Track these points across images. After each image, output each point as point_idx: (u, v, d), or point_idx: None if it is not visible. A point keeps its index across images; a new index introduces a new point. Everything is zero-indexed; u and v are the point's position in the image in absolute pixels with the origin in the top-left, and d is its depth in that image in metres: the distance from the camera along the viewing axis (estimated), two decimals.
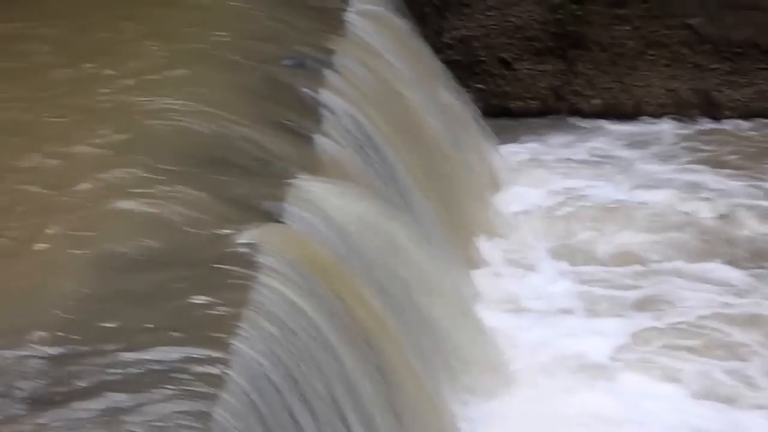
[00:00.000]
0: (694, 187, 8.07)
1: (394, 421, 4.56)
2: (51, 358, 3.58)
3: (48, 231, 4.29)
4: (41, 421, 3.30)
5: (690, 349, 6.17)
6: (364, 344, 4.47)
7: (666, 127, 9.18)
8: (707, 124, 9.19)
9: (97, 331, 3.73)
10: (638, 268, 7.09)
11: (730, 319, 6.45)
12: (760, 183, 8.10)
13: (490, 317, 6.06)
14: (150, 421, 3.30)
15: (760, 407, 5.72)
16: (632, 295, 6.78)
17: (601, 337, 6.27)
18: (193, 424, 3.31)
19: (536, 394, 5.62)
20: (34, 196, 4.56)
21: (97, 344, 3.66)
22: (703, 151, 8.73)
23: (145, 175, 4.71)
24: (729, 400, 5.77)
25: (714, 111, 9.29)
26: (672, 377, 5.93)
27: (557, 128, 9.20)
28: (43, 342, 3.64)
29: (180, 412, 3.34)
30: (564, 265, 7.10)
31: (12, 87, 5.68)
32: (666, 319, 6.47)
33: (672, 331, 6.34)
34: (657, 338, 6.28)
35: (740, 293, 6.75)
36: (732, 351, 6.17)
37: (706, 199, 7.85)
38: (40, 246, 4.20)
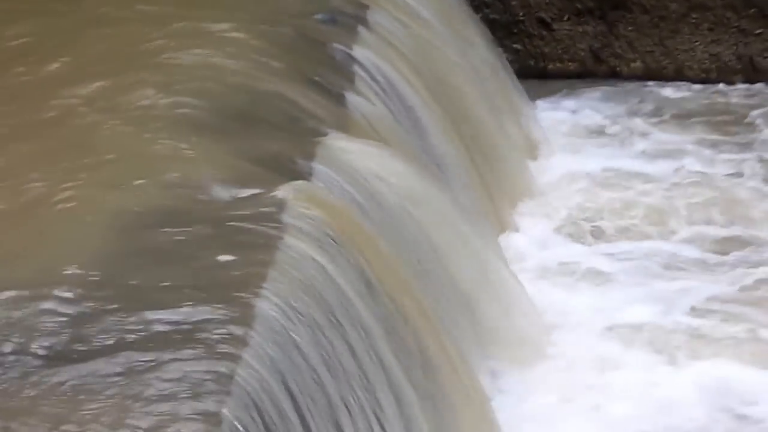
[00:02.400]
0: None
1: (421, 386, 4.52)
2: (70, 315, 3.55)
3: (71, 186, 4.24)
4: (59, 378, 3.27)
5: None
6: (390, 309, 4.42)
7: (710, 92, 9.02)
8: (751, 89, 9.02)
9: (118, 288, 3.69)
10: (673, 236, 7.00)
11: None
12: None
13: (523, 284, 5.98)
14: (170, 380, 3.27)
15: None
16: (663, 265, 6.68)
17: (634, 307, 6.18)
18: (215, 385, 3.27)
19: (569, 364, 5.57)
20: (57, 150, 4.52)
21: (118, 302, 3.62)
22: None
23: (171, 130, 4.67)
24: None
25: (758, 77, 9.14)
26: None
27: (596, 91, 9.08)
28: (62, 298, 3.61)
29: (201, 372, 3.31)
30: (597, 234, 7.01)
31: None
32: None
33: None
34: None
35: None
36: None
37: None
38: (63, 200, 4.16)
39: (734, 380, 5.57)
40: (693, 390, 5.51)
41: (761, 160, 7.82)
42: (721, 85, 9.03)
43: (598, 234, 7.05)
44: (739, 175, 7.62)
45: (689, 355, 5.78)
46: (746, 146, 8.12)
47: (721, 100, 8.92)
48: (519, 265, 6.41)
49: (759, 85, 8.99)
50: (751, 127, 8.40)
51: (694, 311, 6.18)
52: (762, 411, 5.43)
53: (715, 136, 8.34)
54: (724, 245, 6.90)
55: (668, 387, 5.54)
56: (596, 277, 6.57)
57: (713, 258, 6.78)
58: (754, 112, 8.55)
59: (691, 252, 6.84)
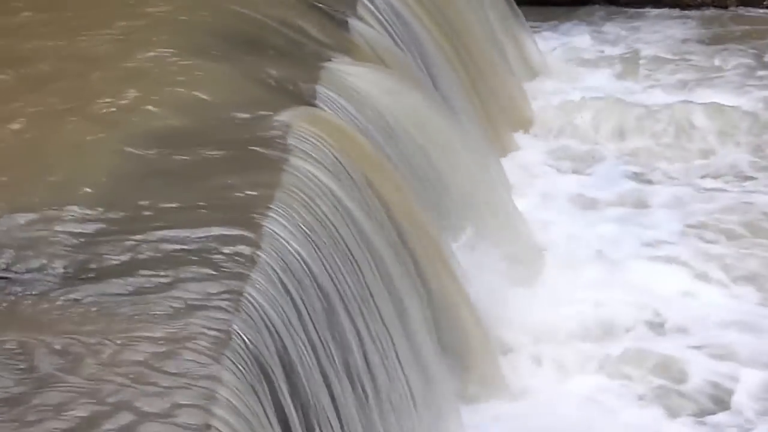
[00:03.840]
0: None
1: (425, 303, 4.61)
2: (84, 235, 3.62)
3: (82, 109, 4.31)
4: (73, 296, 3.36)
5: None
6: (395, 229, 4.50)
7: (708, 13, 9.02)
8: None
9: (130, 208, 3.77)
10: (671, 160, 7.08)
11: None
12: None
13: (522, 206, 6.06)
14: (181, 298, 3.35)
15: None
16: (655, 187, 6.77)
17: (628, 234, 6.27)
18: (224, 303, 3.35)
19: (567, 283, 5.65)
20: (67, 75, 4.57)
21: (130, 222, 3.70)
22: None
23: (178, 54, 4.71)
24: None
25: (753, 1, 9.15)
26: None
27: (593, 17, 9.09)
28: (77, 219, 3.68)
29: (211, 290, 3.39)
30: (594, 157, 7.07)
31: None
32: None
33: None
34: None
35: None
36: None
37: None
38: (74, 124, 4.23)
39: None
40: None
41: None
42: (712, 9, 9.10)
43: (594, 157, 7.13)
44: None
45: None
46: (749, 75, 8.17)
47: (715, 23, 8.96)
48: (517, 185, 6.49)
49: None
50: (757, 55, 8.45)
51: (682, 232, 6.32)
52: None
53: (714, 61, 8.38)
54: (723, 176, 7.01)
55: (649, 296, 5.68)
56: (592, 199, 6.66)
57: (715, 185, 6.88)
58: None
59: (687, 180, 6.94)
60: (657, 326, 5.50)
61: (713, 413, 5.02)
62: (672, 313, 5.55)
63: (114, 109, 4.32)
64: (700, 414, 5.01)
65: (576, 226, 6.24)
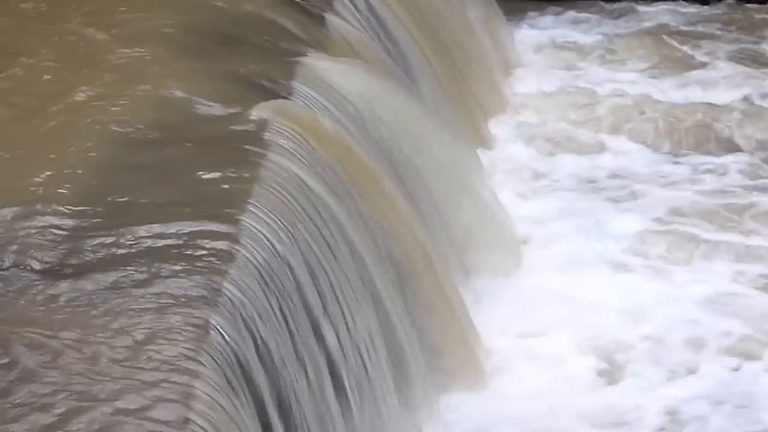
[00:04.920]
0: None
1: (402, 298, 4.65)
2: (64, 231, 3.65)
3: (59, 106, 4.33)
4: (53, 292, 3.38)
5: None
6: (371, 220, 4.53)
7: (692, 8, 9.04)
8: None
9: (109, 204, 3.80)
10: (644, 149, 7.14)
11: None
12: None
13: (501, 197, 6.09)
14: (160, 293, 3.38)
15: None
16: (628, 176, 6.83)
17: (607, 215, 6.34)
18: (202, 298, 3.37)
19: (543, 272, 5.69)
20: (41, 69, 4.58)
21: (109, 218, 3.72)
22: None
23: (155, 51, 4.74)
24: None
25: None
26: None
27: (572, 10, 9.11)
28: (56, 214, 3.71)
29: (190, 285, 3.42)
30: (571, 149, 7.12)
31: None
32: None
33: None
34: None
35: None
36: None
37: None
38: (52, 120, 4.25)
39: None
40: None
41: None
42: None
43: (573, 147, 7.17)
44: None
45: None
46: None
47: (693, 18, 8.99)
48: (494, 176, 6.53)
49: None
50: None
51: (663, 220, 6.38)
52: None
53: (691, 52, 8.42)
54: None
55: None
56: (567, 189, 6.71)
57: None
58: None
59: (661, 162, 7.01)
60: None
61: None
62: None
63: (89, 106, 4.34)
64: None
65: (556, 217, 6.28)
